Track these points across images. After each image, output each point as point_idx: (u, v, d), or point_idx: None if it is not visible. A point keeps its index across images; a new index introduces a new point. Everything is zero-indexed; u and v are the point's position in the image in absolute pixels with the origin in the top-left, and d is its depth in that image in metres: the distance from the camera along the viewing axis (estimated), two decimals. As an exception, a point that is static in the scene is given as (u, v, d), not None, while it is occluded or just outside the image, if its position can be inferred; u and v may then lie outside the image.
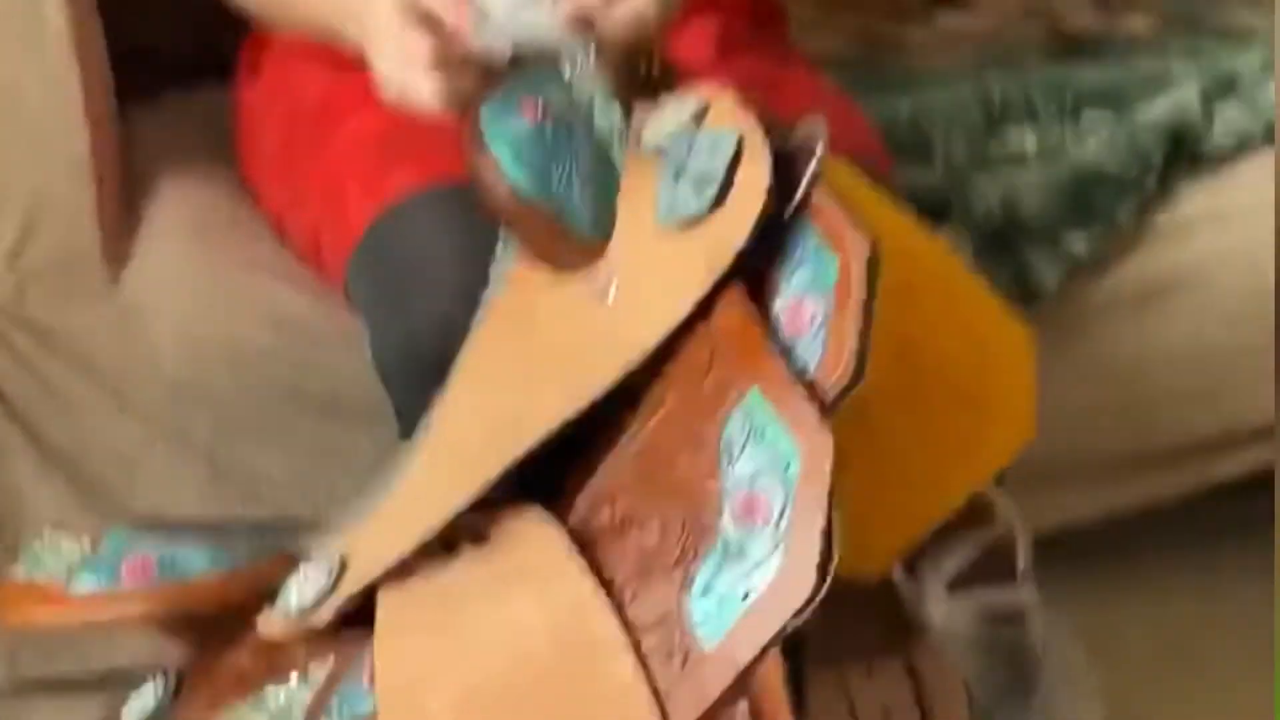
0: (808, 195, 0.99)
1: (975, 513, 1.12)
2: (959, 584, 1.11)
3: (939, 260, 1.13)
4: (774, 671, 0.93)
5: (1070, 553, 1.77)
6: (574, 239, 1.07)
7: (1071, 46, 2.02)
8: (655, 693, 0.93)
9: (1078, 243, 1.71)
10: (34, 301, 1.48)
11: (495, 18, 1.12)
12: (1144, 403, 1.77)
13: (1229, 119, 1.80)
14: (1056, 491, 1.72)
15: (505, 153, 1.07)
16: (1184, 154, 1.77)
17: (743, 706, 0.93)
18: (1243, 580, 1.90)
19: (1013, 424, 1.09)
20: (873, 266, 0.94)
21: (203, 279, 1.51)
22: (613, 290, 1.06)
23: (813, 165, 0.99)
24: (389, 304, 1.30)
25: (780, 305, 0.98)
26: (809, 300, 0.96)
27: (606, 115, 1.09)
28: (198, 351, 1.50)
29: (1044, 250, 1.70)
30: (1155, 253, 1.75)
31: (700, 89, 1.08)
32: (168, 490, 1.54)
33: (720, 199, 1.00)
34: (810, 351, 0.95)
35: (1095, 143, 1.77)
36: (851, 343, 0.93)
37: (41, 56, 1.43)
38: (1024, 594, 1.17)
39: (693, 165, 1.03)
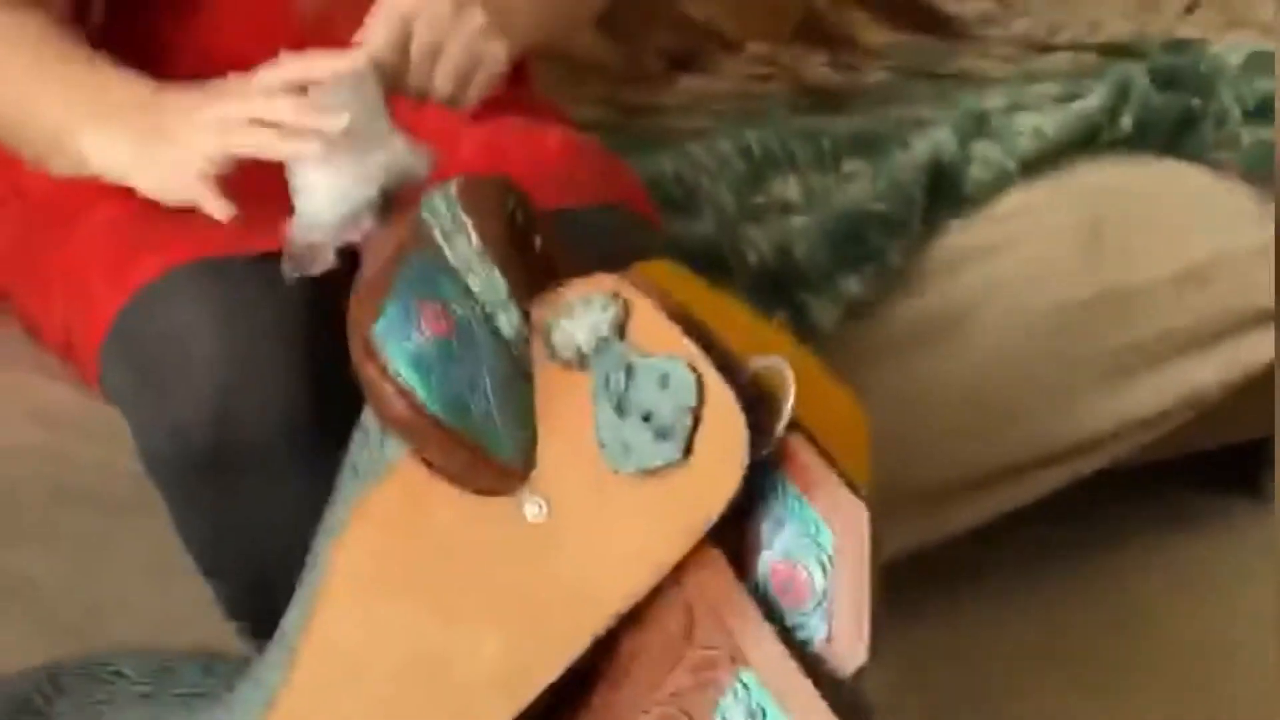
0: (779, 442, 0.97)
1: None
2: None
3: (785, 345, 1.12)
4: None
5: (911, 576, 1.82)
6: (494, 464, 1.01)
7: (817, 100, 2.07)
8: None
9: (852, 283, 1.74)
10: None
11: (313, 215, 1.12)
12: (927, 437, 1.80)
13: (984, 156, 1.86)
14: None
15: (411, 375, 1.00)
16: (945, 192, 1.82)
17: None
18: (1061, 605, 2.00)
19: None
20: (876, 538, 0.95)
21: (-45, 377, 1.44)
22: (534, 510, 1.01)
23: (784, 416, 0.97)
24: (149, 394, 1.24)
25: (765, 565, 0.97)
26: (801, 568, 0.96)
27: (511, 320, 1.04)
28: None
29: (819, 292, 1.73)
30: (928, 290, 1.80)
31: (600, 282, 1.03)
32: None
33: (685, 450, 0.96)
34: (813, 625, 0.96)
35: (858, 187, 1.81)
36: (866, 624, 0.94)
37: None
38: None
39: (638, 400, 0.97)
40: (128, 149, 1.26)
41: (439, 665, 1.02)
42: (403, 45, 1.21)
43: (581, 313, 1.02)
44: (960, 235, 1.82)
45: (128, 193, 1.30)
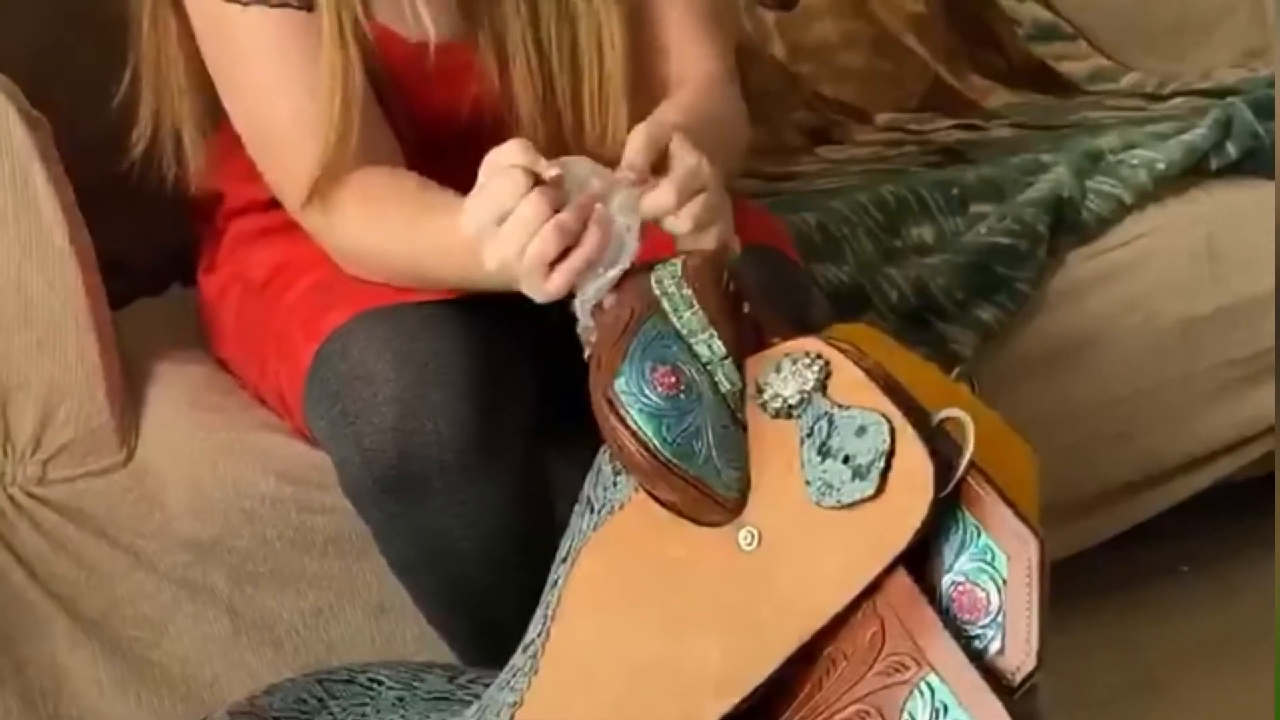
0: (960, 481, 1.08)
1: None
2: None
3: (965, 401, 1.24)
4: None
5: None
6: (714, 499, 1.13)
7: (945, 157, 2.20)
8: None
9: (986, 312, 1.88)
10: (56, 482, 1.59)
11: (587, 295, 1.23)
12: (1064, 454, 1.92)
13: (1100, 190, 1.99)
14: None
15: (648, 425, 1.13)
16: (1066, 224, 1.96)
17: None
18: (1200, 609, 2.08)
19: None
20: (1043, 564, 1.07)
21: (205, 441, 1.61)
22: (747, 538, 1.13)
23: (965, 459, 1.08)
24: (341, 430, 1.40)
25: (948, 585, 1.08)
26: (980, 588, 1.07)
27: (728, 377, 1.16)
28: (209, 508, 1.60)
29: (957, 323, 1.87)
30: (1057, 315, 1.93)
31: (805, 344, 1.15)
32: (195, 646, 1.63)
33: (879, 488, 1.07)
34: (989, 638, 1.07)
35: (986, 226, 1.94)
36: (1035, 638, 1.06)
37: (45, 265, 1.56)
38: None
39: (838, 445, 1.09)
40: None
41: (668, 669, 1.14)
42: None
43: (789, 371, 1.14)
44: (1084, 263, 1.95)
45: (324, 264, 1.47)
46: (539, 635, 1.22)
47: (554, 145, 1.42)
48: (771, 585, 1.11)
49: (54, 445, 1.58)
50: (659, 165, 1.26)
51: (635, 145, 1.25)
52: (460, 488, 1.38)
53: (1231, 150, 2.04)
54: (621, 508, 1.19)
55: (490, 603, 1.45)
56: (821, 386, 1.13)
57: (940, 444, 1.09)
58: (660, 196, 1.24)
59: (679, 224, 1.25)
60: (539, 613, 1.23)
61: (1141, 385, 1.96)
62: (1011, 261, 1.90)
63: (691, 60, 1.51)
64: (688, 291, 1.19)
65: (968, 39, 2.52)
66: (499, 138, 1.29)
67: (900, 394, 1.11)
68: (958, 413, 1.09)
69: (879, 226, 1.94)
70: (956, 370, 1.26)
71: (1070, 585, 1.97)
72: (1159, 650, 2.01)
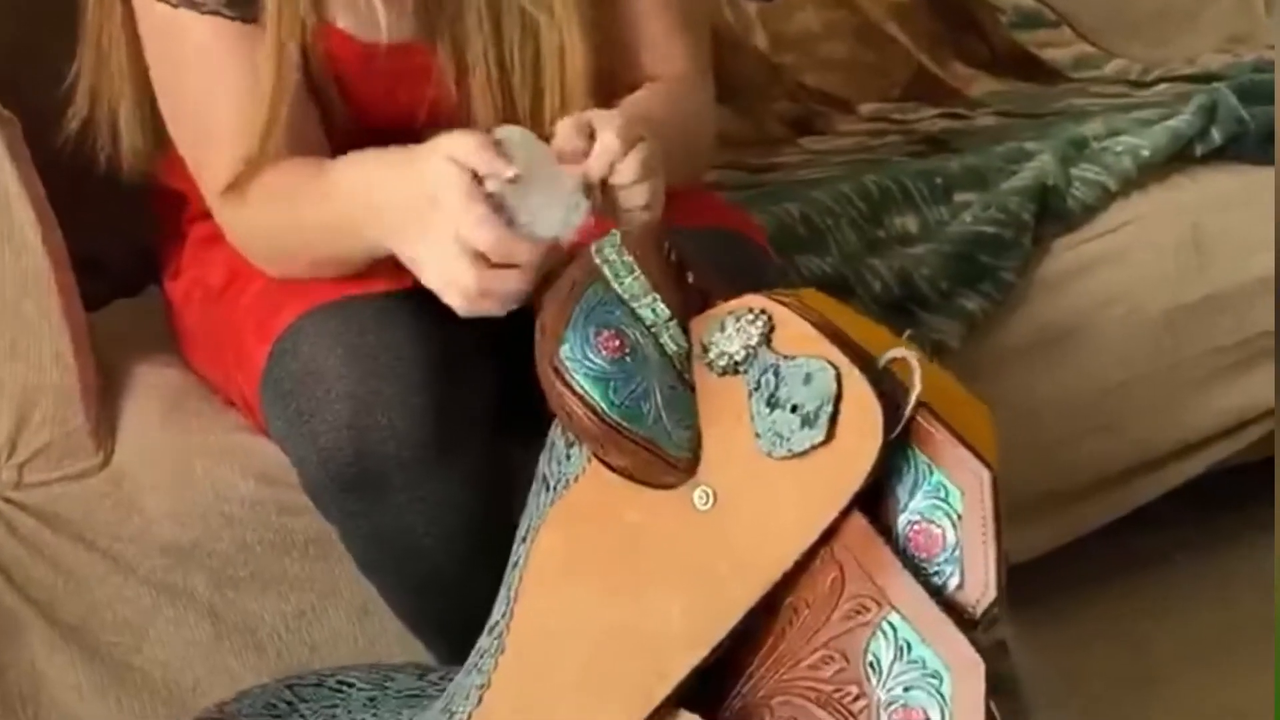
0: (909, 420, 1.09)
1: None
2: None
3: (919, 359, 1.24)
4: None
5: (1025, 585, 1.91)
6: (666, 460, 1.15)
7: (929, 147, 2.19)
8: None
9: (971, 301, 1.87)
10: (33, 486, 1.58)
11: (542, 227, 1.25)
12: (1053, 442, 1.93)
13: (1085, 177, 1.98)
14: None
15: (594, 389, 1.14)
16: (1051, 212, 1.95)
17: None
18: (1195, 600, 2.07)
19: None
20: (997, 494, 1.08)
21: (183, 443, 1.60)
22: (701, 497, 1.14)
23: (913, 398, 1.09)
24: (297, 429, 1.39)
25: (904, 525, 1.10)
26: (935, 525, 1.09)
27: (674, 339, 1.18)
28: (188, 511, 1.59)
29: (942, 313, 1.86)
30: (1043, 304, 1.92)
31: (748, 300, 1.17)
32: (175, 651, 1.61)
33: (829, 433, 1.09)
34: (946, 573, 1.08)
35: (971, 214, 1.93)
36: (992, 569, 1.08)
37: (18, 265, 1.55)
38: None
39: (785, 395, 1.11)
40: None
41: (632, 632, 1.16)
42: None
43: (733, 328, 1.16)
44: (1070, 251, 1.95)
45: None
46: (503, 616, 1.23)
47: None
48: (729, 541, 1.13)
49: (29, 449, 1.57)
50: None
51: (563, 132, 1.27)
52: (419, 483, 1.38)
53: (1216, 136, 2.03)
54: (576, 480, 1.20)
55: (458, 598, 1.43)
56: (766, 340, 1.14)
57: (887, 385, 1.10)
58: (605, 141, 1.26)
59: (625, 170, 1.26)
60: (501, 594, 1.24)
61: (1129, 373, 1.95)
62: (996, 250, 1.89)
63: (661, 60, 1.51)
64: (628, 258, 1.19)
65: (951, 27, 2.52)
66: None
67: (845, 341, 1.12)
68: (903, 352, 1.10)
69: (863, 217, 1.93)
70: (907, 333, 1.25)
71: (1063, 575, 1.99)
72: (1155, 641, 2.01)
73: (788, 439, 1.10)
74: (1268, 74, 2.16)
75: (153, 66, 1.49)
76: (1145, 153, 2.00)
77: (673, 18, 1.51)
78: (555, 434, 1.23)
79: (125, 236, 1.79)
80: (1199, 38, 2.56)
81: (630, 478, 1.16)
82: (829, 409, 1.09)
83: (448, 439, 1.37)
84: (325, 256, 1.41)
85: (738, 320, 1.16)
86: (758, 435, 1.12)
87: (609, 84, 1.46)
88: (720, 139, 2.23)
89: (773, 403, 1.11)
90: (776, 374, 1.12)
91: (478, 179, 1.25)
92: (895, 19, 2.47)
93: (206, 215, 1.58)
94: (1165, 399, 1.98)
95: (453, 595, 1.45)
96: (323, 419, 1.36)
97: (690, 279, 1.22)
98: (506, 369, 1.40)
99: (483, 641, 1.25)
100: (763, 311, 1.15)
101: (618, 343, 1.15)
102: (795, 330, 1.14)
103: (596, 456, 1.18)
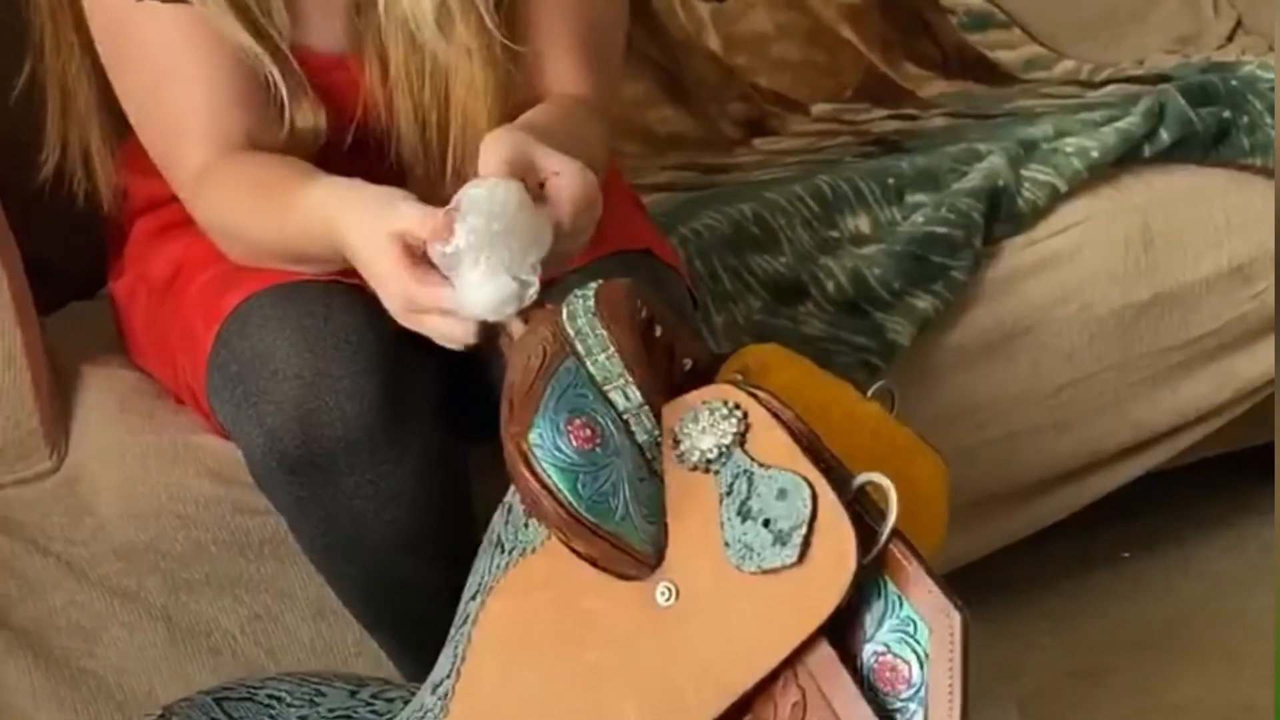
0: (883, 548, 1.07)
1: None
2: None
3: (875, 418, 1.27)
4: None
5: (975, 581, 1.93)
6: (630, 554, 1.12)
7: (881, 148, 2.20)
8: None
9: (923, 301, 1.88)
10: (-15, 490, 1.57)
11: (467, 305, 1.22)
12: (1003, 440, 1.94)
13: (1035, 178, 2.00)
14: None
15: (563, 481, 1.10)
16: (1001, 212, 1.96)
17: None
18: (1140, 596, 2.09)
19: (932, 536, 1.26)
20: (966, 637, 1.06)
21: (136, 444, 1.59)
22: (664, 593, 1.11)
23: (888, 527, 1.07)
24: (244, 412, 1.38)
25: (869, 654, 1.07)
26: (902, 661, 1.06)
27: (642, 425, 1.14)
28: (142, 513, 1.58)
29: (894, 312, 1.87)
30: (992, 303, 1.94)
31: (722, 391, 1.14)
32: (129, 655, 1.61)
33: (801, 554, 1.06)
34: (910, 711, 1.06)
35: (923, 215, 1.95)
36: (958, 713, 1.05)
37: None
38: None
39: (758, 508, 1.08)
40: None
41: None
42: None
43: (706, 422, 1.12)
44: (1020, 251, 1.96)
45: (224, 259, 1.47)
46: (449, 675, 1.20)
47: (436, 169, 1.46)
48: (689, 647, 1.10)
49: (-20, 453, 1.56)
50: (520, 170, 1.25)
51: (493, 158, 1.25)
52: (368, 466, 1.37)
53: (1165, 137, 2.05)
54: (534, 551, 1.18)
55: (410, 594, 1.44)
56: (740, 440, 1.11)
57: (862, 506, 1.08)
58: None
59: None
60: (449, 649, 1.22)
61: (1078, 373, 1.97)
62: (948, 251, 1.90)
63: (563, 81, 1.51)
64: (602, 331, 1.16)
65: (902, 29, 2.53)
66: (383, 161, 1.34)
67: (820, 453, 1.10)
68: (879, 478, 1.08)
69: (815, 217, 1.94)
70: (874, 387, 1.25)
71: (1011, 573, 2.01)
72: (1101, 638, 2.03)
73: (758, 554, 1.08)
74: (1215, 75, 2.18)
75: (115, 69, 1.49)
76: (1094, 154, 2.01)
77: (577, 42, 1.51)
78: (514, 498, 1.20)
79: (80, 239, 1.78)
80: (1147, 37, 2.58)
81: (593, 564, 1.13)
82: (802, 531, 1.06)
83: (396, 424, 1.37)
84: (293, 256, 1.41)
85: (711, 413, 1.13)
86: (727, 544, 1.09)
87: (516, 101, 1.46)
88: (673, 140, 2.28)
89: (744, 513, 1.09)
90: (750, 482, 1.09)
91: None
92: (847, 20, 2.48)
93: (146, 209, 1.59)
94: (1114, 398, 2.00)
95: (404, 591, 1.45)
96: (270, 400, 1.35)
97: (659, 332, 1.21)
98: (456, 368, 1.41)
99: (427, 699, 1.23)
100: (737, 406, 1.12)
101: (589, 432, 1.12)
102: (771, 438, 1.11)
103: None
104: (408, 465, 1.39)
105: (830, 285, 1.87)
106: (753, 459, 1.10)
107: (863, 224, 1.96)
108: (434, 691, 1.21)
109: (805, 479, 1.07)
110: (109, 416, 1.62)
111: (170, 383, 1.60)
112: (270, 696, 1.35)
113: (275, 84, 1.45)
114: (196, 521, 1.59)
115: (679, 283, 1.56)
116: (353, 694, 1.34)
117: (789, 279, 1.86)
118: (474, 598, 1.20)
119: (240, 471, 1.54)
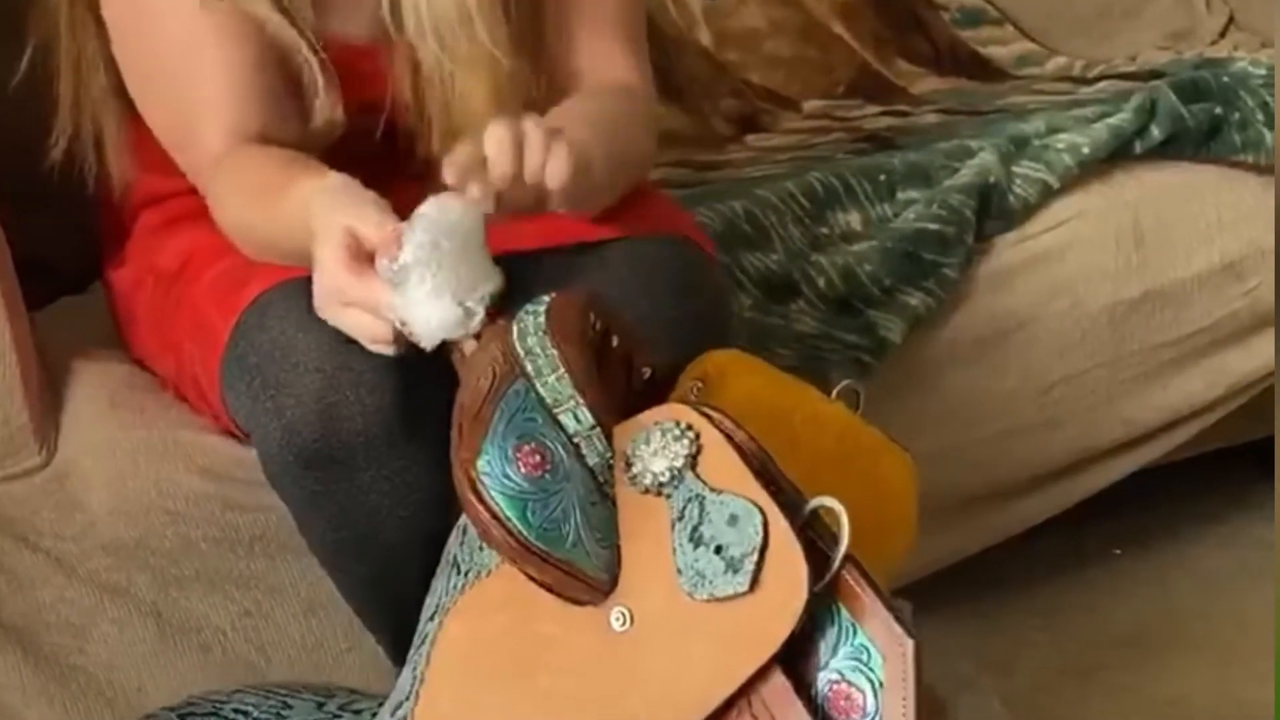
0: (836, 574, 1.06)
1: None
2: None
3: (840, 419, 1.26)
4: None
5: (966, 578, 1.93)
6: (583, 580, 1.10)
7: (873, 144, 2.19)
8: None
9: (914, 298, 1.88)
10: (-26, 485, 1.57)
11: (415, 326, 1.21)
12: (996, 437, 1.94)
13: (1027, 174, 2.00)
14: (926, 533, 1.86)
15: (512, 510, 1.09)
16: (993, 209, 1.96)
17: None
18: (1133, 593, 2.09)
19: (902, 535, 1.26)
20: (920, 665, 1.04)
21: (127, 440, 1.59)
22: (619, 618, 1.10)
23: (840, 553, 1.05)
24: (261, 404, 1.36)
25: (823, 682, 1.06)
26: (856, 690, 1.05)
27: (593, 448, 1.12)
28: (132, 509, 1.58)
29: (885, 309, 1.87)
30: (984, 300, 1.94)
31: (674, 412, 1.12)
32: (119, 652, 1.60)
33: (753, 582, 1.05)
34: None
35: (914, 211, 1.94)
36: None
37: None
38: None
39: (710, 534, 1.06)
40: None
41: None
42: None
43: (658, 443, 1.11)
44: (1012, 248, 1.96)
45: (231, 251, 1.47)
46: (408, 697, 1.19)
47: None
48: (644, 673, 1.09)
49: (-30, 448, 1.56)
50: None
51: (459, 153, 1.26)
52: (385, 462, 1.35)
53: (1156, 133, 2.04)
54: (489, 574, 1.17)
55: (416, 586, 1.41)
56: (691, 462, 1.09)
57: (815, 531, 1.07)
58: (494, 133, 1.25)
59: (532, 144, 1.25)
60: (408, 671, 1.21)
61: (1070, 369, 1.97)
62: (940, 248, 1.90)
63: (600, 68, 1.51)
64: (552, 351, 1.15)
65: (895, 25, 2.53)
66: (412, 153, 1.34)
67: (772, 475, 1.09)
68: (831, 502, 1.06)
69: (807, 214, 1.93)
70: (839, 387, 1.24)
71: (1003, 570, 2.02)
72: (1093, 635, 2.03)
73: (710, 581, 1.06)
74: (1207, 71, 2.18)
75: (128, 56, 1.49)
76: (1086, 150, 2.01)
77: (617, 23, 1.51)
78: (469, 520, 1.17)
79: (71, 235, 1.78)
80: (1140, 34, 2.59)
81: (548, 589, 1.12)
82: (754, 558, 1.05)
83: (415, 420, 1.35)
84: (293, 254, 1.40)
85: (664, 434, 1.11)
86: (679, 571, 1.08)
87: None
88: (665, 137, 2.26)
89: (696, 539, 1.07)
90: (701, 507, 1.08)
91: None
92: (840, 16, 2.48)
93: (151, 202, 1.59)
94: (1106, 394, 2.00)
95: (410, 584, 1.43)
96: (290, 392, 1.33)
97: (615, 343, 1.19)
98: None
99: (383, 715, 1.23)
100: (689, 427, 1.11)
101: (538, 459, 1.10)
102: (722, 461, 1.09)
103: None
104: (424, 461, 1.37)
105: (822, 282, 1.87)
106: (705, 483, 1.08)
107: (854, 221, 1.96)
108: (394, 713, 1.20)
109: (756, 505, 1.06)
110: (99, 412, 1.62)
111: (171, 373, 1.59)
112: (236, 710, 1.34)
113: (310, 69, 1.45)
114: (187, 518, 1.58)
115: (714, 271, 1.54)
116: (320, 705, 1.34)
117: (780, 276, 1.86)
118: (432, 618, 1.20)
119: (231, 468, 1.57)
